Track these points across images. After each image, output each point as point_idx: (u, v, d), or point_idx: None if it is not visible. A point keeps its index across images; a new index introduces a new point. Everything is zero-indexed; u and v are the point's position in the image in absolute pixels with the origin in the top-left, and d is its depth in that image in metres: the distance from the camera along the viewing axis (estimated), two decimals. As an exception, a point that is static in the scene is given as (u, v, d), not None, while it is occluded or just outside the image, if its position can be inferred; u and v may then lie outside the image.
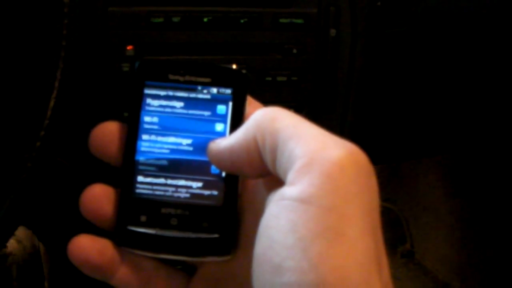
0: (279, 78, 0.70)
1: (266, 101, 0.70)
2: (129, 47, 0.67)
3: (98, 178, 0.47)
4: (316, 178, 0.35)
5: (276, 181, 0.39)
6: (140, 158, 0.46)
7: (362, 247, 0.34)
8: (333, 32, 0.71)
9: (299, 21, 0.70)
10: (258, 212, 0.40)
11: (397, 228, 1.52)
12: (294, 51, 0.70)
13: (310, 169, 0.35)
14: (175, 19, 0.68)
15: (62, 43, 0.50)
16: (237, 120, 0.46)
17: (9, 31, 0.49)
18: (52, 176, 0.64)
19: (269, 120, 0.39)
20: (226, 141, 0.42)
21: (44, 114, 0.49)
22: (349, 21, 0.72)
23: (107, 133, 0.46)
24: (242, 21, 0.69)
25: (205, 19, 0.68)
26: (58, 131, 0.51)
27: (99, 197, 0.45)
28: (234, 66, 0.48)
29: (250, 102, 0.47)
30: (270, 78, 0.70)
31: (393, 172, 1.53)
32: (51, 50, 0.49)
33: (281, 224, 0.35)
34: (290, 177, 0.36)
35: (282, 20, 0.70)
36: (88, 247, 0.44)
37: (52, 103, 0.50)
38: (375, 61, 0.77)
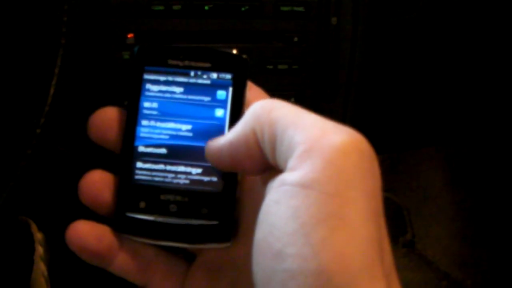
0: (280, 66, 0.70)
1: (267, 89, 0.70)
2: (130, 35, 0.67)
3: (98, 166, 0.46)
4: (318, 164, 0.35)
5: (276, 170, 0.38)
6: (139, 144, 0.46)
7: (364, 234, 0.34)
8: (334, 20, 0.71)
9: (300, 9, 0.70)
10: (258, 199, 0.40)
11: (398, 219, 1.52)
12: (295, 39, 0.70)
13: (311, 155, 0.35)
14: (176, 7, 0.67)
15: (62, 30, 0.50)
16: (237, 105, 0.46)
17: (9, 17, 0.49)
18: (52, 164, 0.64)
19: (266, 111, 0.39)
20: (224, 138, 0.42)
21: (45, 101, 0.49)
22: (350, 9, 0.72)
23: (106, 118, 0.46)
24: (243, 9, 0.69)
25: (206, 7, 0.68)
26: (58, 119, 0.50)
27: (98, 184, 0.45)
28: (234, 51, 0.47)
29: (251, 87, 0.47)
30: (271, 66, 0.70)
31: (394, 162, 1.52)
32: (51, 37, 0.49)
33: (282, 210, 0.35)
34: (290, 163, 0.36)
35: (283, 8, 0.69)
36: (86, 233, 0.44)
37: (52, 90, 0.49)
38: (377, 50, 0.77)
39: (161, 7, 0.67)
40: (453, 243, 1.42)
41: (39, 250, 0.92)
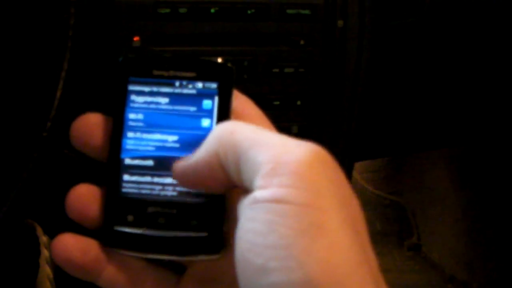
0: (287, 70, 0.70)
1: (274, 93, 0.71)
2: (136, 38, 0.67)
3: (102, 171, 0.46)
4: (286, 179, 0.35)
5: (243, 189, 0.39)
6: (126, 157, 0.45)
7: (345, 240, 0.34)
8: (340, 23, 0.71)
9: (306, 12, 0.70)
10: None
11: (404, 221, 1.52)
12: (302, 42, 0.70)
13: (278, 172, 0.35)
14: (182, 10, 0.67)
15: (69, 33, 0.50)
16: (224, 114, 0.45)
17: (15, 21, 0.49)
18: (58, 168, 0.64)
19: (228, 134, 0.39)
20: (190, 160, 0.42)
21: (51, 105, 0.49)
22: (356, 12, 0.71)
23: (89, 124, 0.45)
24: (249, 12, 0.68)
25: (212, 10, 0.68)
26: (64, 122, 0.50)
27: (84, 197, 0.44)
28: (219, 60, 0.47)
29: (237, 96, 0.46)
30: (277, 70, 0.70)
31: (400, 165, 1.52)
32: (57, 40, 0.49)
33: (258, 226, 0.35)
34: (258, 183, 0.36)
35: (289, 11, 0.69)
36: (70, 246, 0.43)
37: (58, 94, 0.49)
38: (383, 53, 0.76)
39: (167, 10, 0.67)
40: (459, 246, 1.42)
41: (45, 253, 0.92)
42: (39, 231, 0.89)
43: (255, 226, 0.35)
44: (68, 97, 0.51)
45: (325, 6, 0.70)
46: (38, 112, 0.49)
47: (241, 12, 0.68)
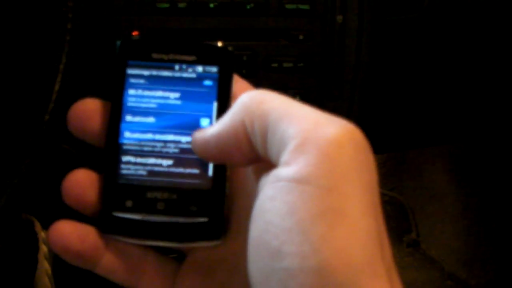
0: (286, 64, 0.70)
1: (272, 87, 0.70)
2: (135, 33, 0.67)
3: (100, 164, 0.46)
4: (313, 157, 0.34)
5: (268, 165, 0.37)
6: (124, 141, 0.44)
7: (364, 227, 0.33)
8: (339, 18, 0.71)
9: (305, 7, 0.69)
10: (250, 194, 0.39)
11: (403, 218, 1.52)
12: (301, 37, 0.70)
13: (306, 149, 0.34)
14: (181, 5, 0.67)
15: (67, 27, 0.50)
16: (224, 99, 0.44)
17: (14, 14, 0.48)
18: (56, 162, 0.64)
19: (257, 103, 0.38)
20: (212, 129, 0.40)
21: (49, 98, 0.49)
22: (356, 7, 0.71)
23: (87, 110, 0.44)
24: (248, 6, 0.68)
25: (211, 5, 0.68)
26: (63, 116, 0.50)
27: (82, 183, 0.44)
28: (219, 43, 0.46)
29: (237, 80, 0.46)
30: (276, 64, 0.70)
31: (399, 161, 1.52)
32: (56, 33, 0.49)
33: (277, 207, 0.34)
34: (284, 158, 0.35)
35: (288, 6, 0.69)
36: (68, 233, 0.42)
37: (57, 87, 0.49)
38: (382, 49, 0.76)
39: (166, 5, 0.67)
40: (458, 243, 1.42)
41: (43, 248, 0.92)
42: (38, 226, 0.89)
43: (275, 206, 0.34)
44: (66, 90, 0.51)
45: (325, 1, 0.70)
46: (36, 105, 0.49)
47: (240, 7, 0.68)
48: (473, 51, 0.83)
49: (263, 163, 0.38)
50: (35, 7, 0.49)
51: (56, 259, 0.90)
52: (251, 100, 0.38)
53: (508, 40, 0.83)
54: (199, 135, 0.42)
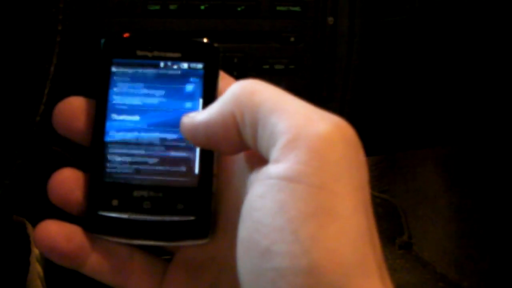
0: (277, 67, 0.70)
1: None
2: (126, 35, 0.67)
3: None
4: (303, 155, 0.33)
5: (257, 158, 0.37)
6: (110, 140, 0.44)
7: (355, 228, 0.33)
8: (331, 20, 0.71)
9: (297, 9, 0.70)
10: (238, 192, 0.39)
11: (395, 220, 1.52)
12: (292, 39, 0.70)
13: (296, 145, 0.34)
14: (172, 7, 0.67)
15: (58, 28, 0.49)
16: (210, 96, 0.44)
17: (4, 15, 0.48)
18: (47, 164, 0.64)
19: (248, 94, 0.37)
20: (201, 116, 0.40)
21: (40, 99, 0.49)
22: (347, 9, 0.71)
23: (72, 108, 0.44)
24: (239, 9, 0.68)
25: (202, 7, 0.68)
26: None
27: (68, 182, 0.43)
28: (205, 40, 0.46)
29: (223, 77, 0.45)
30: (267, 66, 0.70)
31: (391, 163, 1.52)
32: (46, 34, 0.49)
33: (267, 205, 0.33)
34: (274, 154, 0.34)
35: (279, 8, 0.69)
36: (54, 233, 0.42)
37: (48, 88, 0.49)
38: (373, 50, 0.77)
39: (157, 7, 0.67)
40: (450, 245, 1.42)
41: (35, 251, 0.91)
42: (30, 229, 0.89)
43: (265, 205, 0.33)
44: (57, 92, 0.51)
45: (316, 3, 0.70)
46: (27, 106, 0.49)
47: (231, 9, 0.68)
48: (464, 53, 0.83)
49: (253, 154, 0.38)
50: (26, 9, 0.49)
51: (48, 262, 0.89)
52: (242, 91, 0.38)
53: (500, 41, 0.83)
54: (188, 119, 0.41)
